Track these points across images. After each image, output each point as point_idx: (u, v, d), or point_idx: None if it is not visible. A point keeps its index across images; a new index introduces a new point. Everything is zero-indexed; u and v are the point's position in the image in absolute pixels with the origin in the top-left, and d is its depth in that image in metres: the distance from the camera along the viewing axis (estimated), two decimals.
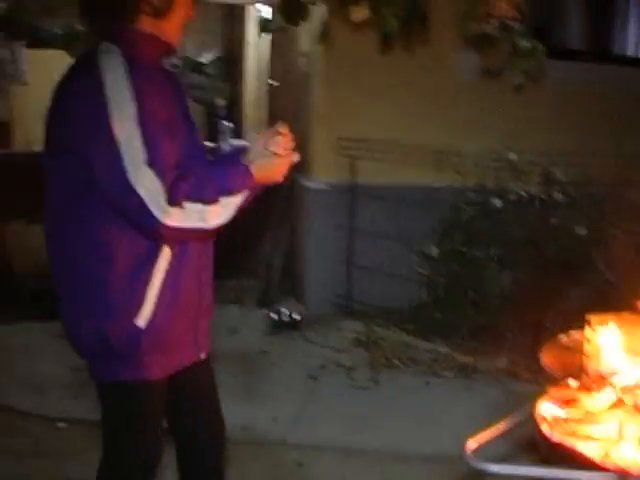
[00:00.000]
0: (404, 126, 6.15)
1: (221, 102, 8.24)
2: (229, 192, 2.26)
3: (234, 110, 8.56)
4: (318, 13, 5.29)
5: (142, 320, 2.29)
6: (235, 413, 4.53)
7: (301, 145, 6.41)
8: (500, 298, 5.61)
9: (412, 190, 6.00)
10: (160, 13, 2.28)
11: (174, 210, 2.14)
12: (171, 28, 2.34)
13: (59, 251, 2.33)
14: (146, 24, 2.28)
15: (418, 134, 6.01)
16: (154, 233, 2.21)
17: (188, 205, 2.17)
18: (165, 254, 2.31)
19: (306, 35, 6.14)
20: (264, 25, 5.56)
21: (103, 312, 2.27)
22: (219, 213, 2.25)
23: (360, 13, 4.61)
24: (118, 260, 2.26)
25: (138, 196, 2.11)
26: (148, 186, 2.11)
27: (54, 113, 2.26)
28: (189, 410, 2.70)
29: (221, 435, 2.80)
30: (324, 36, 5.23)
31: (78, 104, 2.15)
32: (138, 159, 2.11)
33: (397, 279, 5.95)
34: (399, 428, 4.51)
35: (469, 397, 4.91)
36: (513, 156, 5.78)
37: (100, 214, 2.23)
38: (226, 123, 7.64)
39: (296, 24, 5.00)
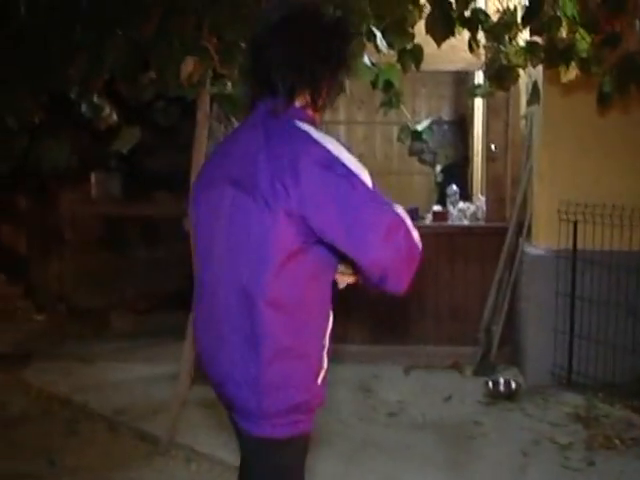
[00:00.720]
0: (627, 189, 5.83)
1: (439, 167, 8.22)
2: None
3: (462, 173, 8.49)
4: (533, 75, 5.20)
5: (320, 378, 2.44)
6: None
7: (522, 209, 6.37)
8: None
9: (637, 256, 5.67)
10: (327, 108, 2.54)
11: None
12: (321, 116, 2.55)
13: (260, 320, 2.31)
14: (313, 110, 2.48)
15: None
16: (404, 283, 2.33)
17: None
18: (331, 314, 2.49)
19: (524, 97, 6.01)
20: (472, 90, 5.49)
21: (304, 376, 2.38)
22: None
23: (570, 74, 4.45)
24: (320, 326, 2.42)
25: (399, 249, 2.25)
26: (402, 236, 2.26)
27: (271, 185, 2.25)
28: None
29: None
30: (536, 98, 5.10)
31: (322, 174, 2.21)
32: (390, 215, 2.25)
33: (621, 350, 5.60)
34: None
35: None
36: None
37: (313, 288, 2.36)
38: (454, 187, 7.58)
39: (505, 89, 4.92)
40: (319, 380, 2.42)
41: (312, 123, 2.39)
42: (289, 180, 2.21)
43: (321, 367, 2.42)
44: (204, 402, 5.38)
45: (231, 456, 4.69)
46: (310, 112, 2.44)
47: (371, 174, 2.26)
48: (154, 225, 8.14)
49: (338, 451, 4.91)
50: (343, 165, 2.22)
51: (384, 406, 5.78)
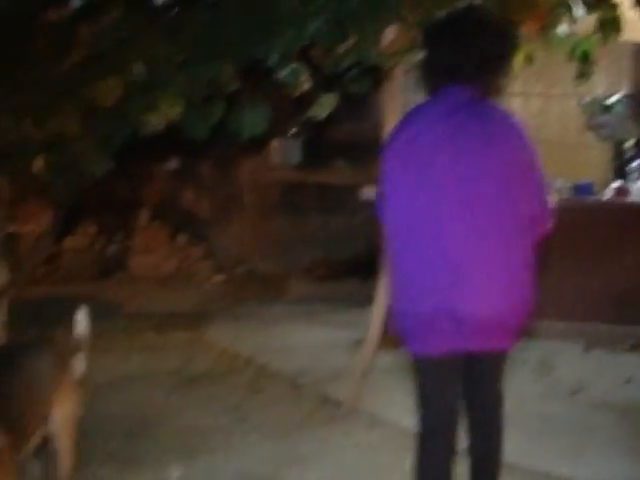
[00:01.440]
0: None
1: (630, 141, 7.95)
2: None
3: None
4: None
5: None
6: (623, 468, 4.38)
7: None
8: None
9: None
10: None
11: None
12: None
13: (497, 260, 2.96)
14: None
15: None
16: (545, 232, 3.10)
17: None
18: None
19: None
20: None
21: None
22: None
23: None
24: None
25: (549, 209, 3.04)
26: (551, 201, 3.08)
27: (505, 145, 2.97)
28: None
29: None
30: None
31: (527, 144, 3.00)
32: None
33: None
34: None
35: None
36: None
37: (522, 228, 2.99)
38: (636, 162, 7.35)
39: None
40: None
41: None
42: (517, 141, 2.98)
43: None
44: (389, 369, 5.38)
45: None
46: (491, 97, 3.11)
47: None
48: (332, 193, 8.25)
49: (519, 427, 4.84)
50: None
51: (564, 384, 5.68)
